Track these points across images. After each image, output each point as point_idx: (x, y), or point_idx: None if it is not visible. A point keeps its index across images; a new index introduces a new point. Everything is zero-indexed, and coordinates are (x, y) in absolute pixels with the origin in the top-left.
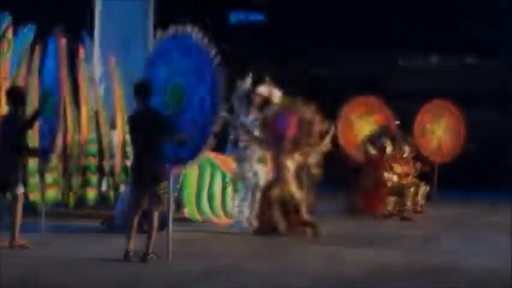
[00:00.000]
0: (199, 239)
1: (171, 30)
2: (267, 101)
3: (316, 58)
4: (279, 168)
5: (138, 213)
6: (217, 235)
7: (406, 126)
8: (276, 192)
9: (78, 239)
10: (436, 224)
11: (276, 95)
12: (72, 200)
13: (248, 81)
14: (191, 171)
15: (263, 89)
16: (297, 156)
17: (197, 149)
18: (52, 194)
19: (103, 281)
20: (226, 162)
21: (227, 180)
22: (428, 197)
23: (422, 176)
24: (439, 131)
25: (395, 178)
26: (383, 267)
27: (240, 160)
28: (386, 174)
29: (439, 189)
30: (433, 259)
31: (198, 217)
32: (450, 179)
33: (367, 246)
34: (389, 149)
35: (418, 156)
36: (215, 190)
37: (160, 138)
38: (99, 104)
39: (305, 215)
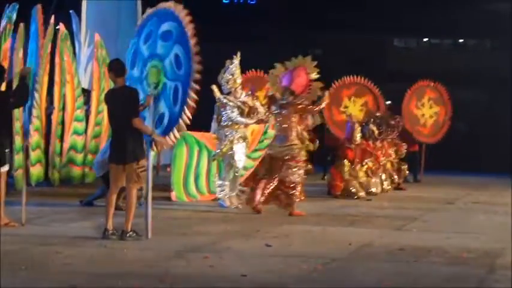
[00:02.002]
0: (180, 218)
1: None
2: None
3: (309, 38)
4: (281, 127)
5: (116, 190)
6: (199, 214)
7: (398, 107)
8: (274, 148)
9: (59, 217)
10: (421, 204)
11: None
12: (56, 178)
13: (236, 62)
14: (180, 154)
15: (248, 98)
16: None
17: (172, 124)
18: (36, 172)
19: (80, 259)
20: (212, 140)
21: (212, 155)
22: (415, 178)
23: (411, 157)
24: (427, 111)
25: (370, 163)
26: (364, 246)
27: (222, 139)
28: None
29: (427, 170)
30: (414, 239)
31: (185, 199)
32: (439, 159)
33: (349, 225)
34: (376, 133)
35: (407, 137)
36: (201, 169)
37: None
38: (96, 81)
39: (296, 175)
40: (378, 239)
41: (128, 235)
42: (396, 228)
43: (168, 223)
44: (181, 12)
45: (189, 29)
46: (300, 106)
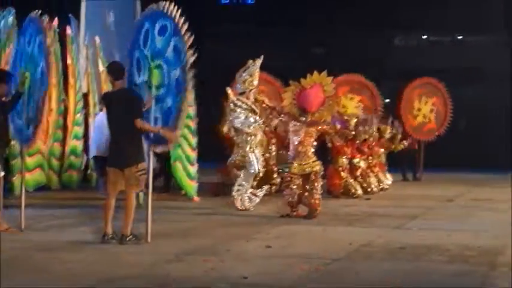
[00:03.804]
0: (179, 221)
1: (148, 8)
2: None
3: (311, 37)
4: (299, 144)
5: (115, 194)
6: (199, 216)
7: (395, 105)
8: (296, 167)
9: (58, 222)
10: (421, 202)
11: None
12: (54, 182)
13: (258, 64)
14: (175, 169)
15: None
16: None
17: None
18: (35, 177)
19: (80, 264)
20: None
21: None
22: (414, 176)
23: (410, 154)
24: (425, 108)
25: (362, 163)
26: (364, 246)
27: (244, 145)
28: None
29: (426, 168)
30: (414, 237)
31: (194, 193)
32: (437, 157)
33: (349, 225)
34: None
35: (405, 134)
36: (185, 155)
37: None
38: (90, 85)
39: (318, 192)
40: (378, 238)
41: (127, 239)
42: (396, 226)
43: (167, 226)
44: (171, 9)
45: (181, 23)
46: (321, 128)
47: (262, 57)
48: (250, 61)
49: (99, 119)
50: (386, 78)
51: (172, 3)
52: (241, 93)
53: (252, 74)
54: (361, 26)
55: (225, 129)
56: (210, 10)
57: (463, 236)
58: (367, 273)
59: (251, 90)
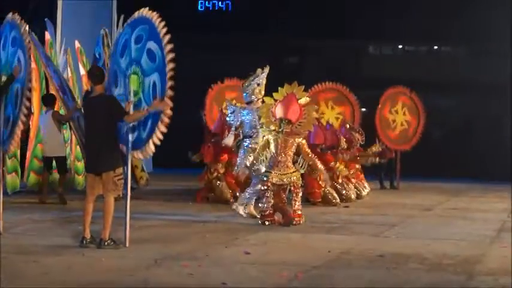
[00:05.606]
0: (157, 226)
1: (128, 20)
2: None
3: (286, 45)
4: (279, 154)
5: (93, 199)
6: (177, 222)
7: (372, 115)
8: (274, 176)
9: (36, 226)
10: (399, 210)
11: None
12: (35, 182)
13: (266, 72)
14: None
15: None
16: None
17: (149, 134)
18: (12, 180)
19: (58, 268)
20: None
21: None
22: (392, 185)
23: (388, 163)
24: (400, 118)
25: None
26: (343, 253)
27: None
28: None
29: (403, 177)
30: (393, 245)
31: None
32: (415, 166)
33: (328, 232)
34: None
35: (382, 145)
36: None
37: (115, 122)
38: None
39: (298, 202)
40: (357, 245)
41: (105, 243)
42: (375, 234)
43: (145, 231)
44: (152, 15)
45: (160, 27)
46: (299, 142)
47: (268, 66)
48: (259, 70)
49: (46, 119)
50: (360, 87)
51: (150, 10)
52: (249, 103)
53: (261, 83)
54: (335, 34)
55: (229, 140)
56: (187, 17)
57: (441, 245)
58: (347, 281)
59: (258, 99)
